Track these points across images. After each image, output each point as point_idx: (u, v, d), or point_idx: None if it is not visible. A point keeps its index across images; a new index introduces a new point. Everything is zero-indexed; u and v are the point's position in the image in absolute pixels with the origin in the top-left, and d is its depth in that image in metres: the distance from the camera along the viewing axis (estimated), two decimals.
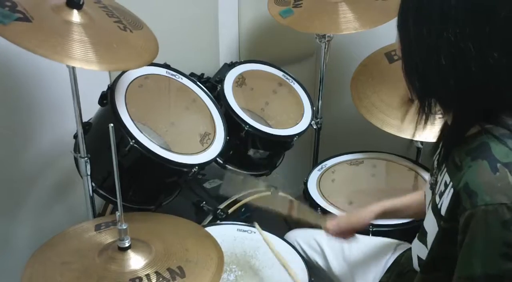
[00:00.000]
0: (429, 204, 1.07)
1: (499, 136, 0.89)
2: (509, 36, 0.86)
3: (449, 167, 0.96)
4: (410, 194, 1.36)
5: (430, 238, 1.02)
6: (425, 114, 0.96)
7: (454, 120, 0.95)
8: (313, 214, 1.51)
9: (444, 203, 0.95)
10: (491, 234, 0.85)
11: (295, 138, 1.79)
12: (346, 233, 1.37)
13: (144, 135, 1.44)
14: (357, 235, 1.39)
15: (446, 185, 0.95)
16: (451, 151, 0.96)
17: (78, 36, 1.25)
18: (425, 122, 0.98)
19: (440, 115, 1.02)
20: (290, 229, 1.66)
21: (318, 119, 2.08)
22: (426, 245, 1.05)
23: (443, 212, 0.95)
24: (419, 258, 1.11)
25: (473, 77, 0.87)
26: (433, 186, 1.07)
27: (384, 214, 1.35)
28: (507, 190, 0.84)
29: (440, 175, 1.00)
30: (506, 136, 0.89)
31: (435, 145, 1.07)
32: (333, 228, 1.35)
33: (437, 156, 1.07)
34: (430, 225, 1.01)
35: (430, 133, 1.08)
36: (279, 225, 1.72)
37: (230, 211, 1.67)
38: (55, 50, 1.19)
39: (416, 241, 1.12)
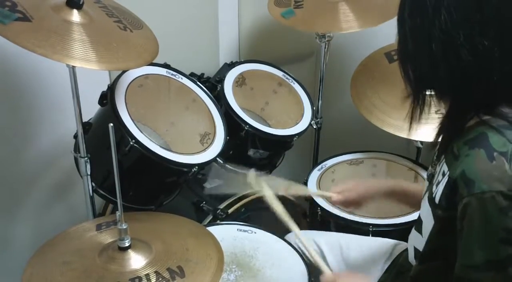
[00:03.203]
0: (425, 194, 1.08)
1: (498, 127, 0.90)
2: (500, 25, 0.87)
3: (447, 157, 0.97)
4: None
5: (426, 227, 1.03)
6: (419, 107, 0.98)
7: (450, 110, 0.96)
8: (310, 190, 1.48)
9: (439, 191, 0.96)
10: (489, 221, 0.86)
11: (295, 138, 1.79)
12: (352, 203, 1.36)
13: (144, 135, 1.44)
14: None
15: (443, 175, 0.96)
16: (450, 142, 0.97)
17: (78, 35, 1.26)
18: (419, 117, 0.99)
19: (439, 115, 1.02)
20: (289, 230, 1.66)
21: (318, 119, 2.07)
22: (421, 234, 1.06)
23: (437, 199, 0.96)
24: (415, 249, 1.11)
25: (464, 66, 0.88)
26: (430, 177, 1.08)
27: (394, 192, 1.34)
28: (504, 178, 0.85)
29: (439, 165, 1.01)
30: (505, 127, 0.90)
31: (435, 137, 1.08)
32: (339, 198, 1.34)
33: (437, 148, 1.08)
34: (425, 214, 1.03)
35: (429, 132, 1.08)
36: (279, 226, 1.72)
37: (230, 211, 1.67)
38: (55, 50, 1.20)
39: (412, 231, 1.13)
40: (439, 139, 1.03)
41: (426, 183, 1.12)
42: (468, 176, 0.87)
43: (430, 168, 1.12)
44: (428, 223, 1.01)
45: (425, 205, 1.03)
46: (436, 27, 0.88)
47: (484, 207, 0.85)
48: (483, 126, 0.91)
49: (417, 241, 1.09)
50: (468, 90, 0.91)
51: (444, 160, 0.98)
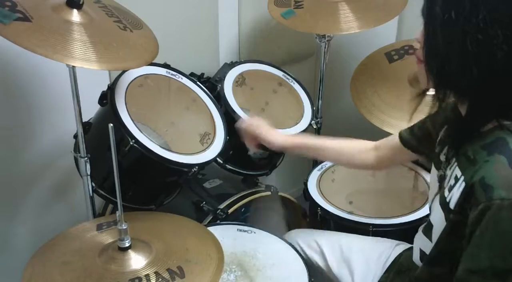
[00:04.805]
0: (434, 197, 1.06)
1: None
2: None
3: (460, 160, 0.95)
4: (341, 139, 1.44)
5: (436, 232, 1.02)
6: (437, 104, 0.95)
7: (469, 113, 0.94)
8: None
9: (454, 196, 0.94)
10: (503, 229, 0.84)
11: None
12: (252, 139, 1.47)
13: (144, 135, 1.44)
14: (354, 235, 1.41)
15: (456, 179, 0.95)
16: (463, 145, 0.95)
17: (78, 35, 1.26)
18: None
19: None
20: (289, 229, 1.66)
21: (318, 119, 2.07)
22: (430, 239, 1.04)
23: (452, 205, 0.95)
24: (421, 251, 1.10)
25: (496, 65, 0.85)
26: (441, 180, 1.06)
27: (296, 145, 1.46)
28: None
29: (450, 168, 0.99)
30: None
31: (443, 139, 1.06)
32: (245, 125, 1.46)
33: (446, 150, 1.06)
34: (437, 218, 1.01)
35: None
36: (279, 225, 1.72)
37: (230, 211, 1.67)
38: (55, 50, 1.20)
39: (420, 234, 1.11)
40: (446, 141, 1.02)
41: (436, 185, 1.10)
42: (487, 182, 0.86)
43: (437, 170, 1.09)
44: (439, 228, 0.99)
45: (436, 209, 1.02)
46: (472, 24, 0.84)
47: (500, 214, 0.84)
48: (501, 131, 0.90)
49: (424, 244, 1.08)
50: (493, 91, 0.89)
51: (456, 164, 0.97)
